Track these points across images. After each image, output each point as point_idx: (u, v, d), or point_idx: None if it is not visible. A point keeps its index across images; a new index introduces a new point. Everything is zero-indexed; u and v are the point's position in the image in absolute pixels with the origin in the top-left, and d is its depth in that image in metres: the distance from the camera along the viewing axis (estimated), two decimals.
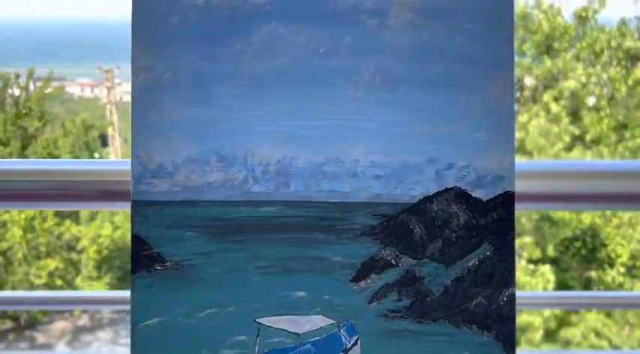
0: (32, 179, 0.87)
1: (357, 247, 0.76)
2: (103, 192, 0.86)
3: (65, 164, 1.10)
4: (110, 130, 26.75)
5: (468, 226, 0.76)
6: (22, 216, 10.10)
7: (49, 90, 13.24)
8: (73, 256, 10.81)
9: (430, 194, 0.76)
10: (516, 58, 6.63)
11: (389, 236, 0.76)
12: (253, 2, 0.76)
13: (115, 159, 15.03)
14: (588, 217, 10.24)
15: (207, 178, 0.76)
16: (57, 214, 10.72)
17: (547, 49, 10.78)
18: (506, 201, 0.75)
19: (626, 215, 10.06)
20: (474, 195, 0.76)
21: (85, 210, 9.97)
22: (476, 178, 0.75)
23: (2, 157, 10.63)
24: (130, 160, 0.77)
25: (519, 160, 0.80)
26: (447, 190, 0.76)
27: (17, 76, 12.08)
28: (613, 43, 10.33)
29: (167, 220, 0.76)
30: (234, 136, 0.76)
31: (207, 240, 0.76)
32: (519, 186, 0.76)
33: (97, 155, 16.61)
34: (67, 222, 10.74)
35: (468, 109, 0.76)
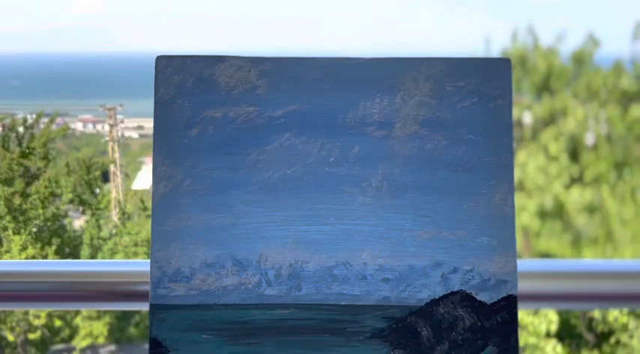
0: (53, 280, 0.90)
1: (366, 350, 0.79)
2: (120, 293, 0.90)
3: (84, 265, 1.14)
4: (112, 168, 26.92)
5: (474, 329, 0.79)
6: None
7: (53, 127, 13.40)
8: None
9: (437, 297, 0.79)
10: (515, 97, 6.72)
11: (398, 339, 0.79)
12: (268, 115, 0.82)
13: (111, 211, 15.18)
14: (590, 255, 10.23)
15: (222, 282, 0.80)
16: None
17: (545, 88, 10.97)
18: (510, 304, 0.79)
19: (627, 252, 10.05)
20: (478, 298, 0.79)
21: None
22: (480, 282, 0.79)
23: (5, 196, 10.69)
24: (148, 260, 0.81)
25: (521, 260, 0.84)
26: (452, 293, 0.79)
27: (25, 121, 12.31)
28: (609, 84, 10.52)
29: (184, 323, 0.79)
30: (248, 240, 0.80)
31: (221, 343, 0.79)
32: (521, 285, 0.79)
33: (97, 190, 16.64)
34: None
35: (472, 214, 0.80)
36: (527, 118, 10.95)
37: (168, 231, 0.80)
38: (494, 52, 11.76)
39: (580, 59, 11.21)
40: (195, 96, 0.82)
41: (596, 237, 10.24)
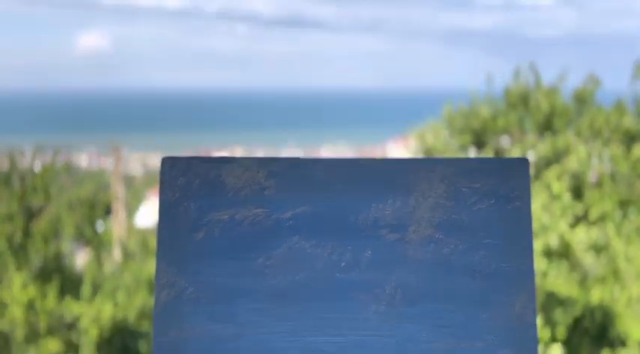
0: None
1: None
2: None
3: None
4: (115, 204, 26.96)
5: None
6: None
7: (56, 162, 13.43)
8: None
9: None
10: (518, 135, 6.70)
11: None
12: (276, 217, 0.79)
13: (113, 248, 15.13)
14: (597, 295, 10.08)
15: None
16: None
17: (548, 127, 11.02)
18: None
19: (635, 290, 9.90)
20: None
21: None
22: None
23: (6, 233, 10.66)
24: None
25: None
26: None
27: (32, 157, 12.37)
28: (612, 123, 10.58)
29: None
30: (253, 352, 0.76)
31: None
32: None
33: (100, 228, 16.58)
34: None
35: (492, 324, 0.76)
36: (531, 157, 10.96)
37: (170, 342, 0.76)
38: (497, 89, 11.86)
39: (581, 98, 11.30)
40: (201, 198, 0.79)
41: (604, 276, 10.12)
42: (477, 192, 0.79)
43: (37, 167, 12.53)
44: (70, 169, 14.19)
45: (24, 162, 12.40)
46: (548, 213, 9.51)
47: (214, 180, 0.80)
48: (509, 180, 0.79)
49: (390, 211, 0.79)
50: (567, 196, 9.75)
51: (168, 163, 0.81)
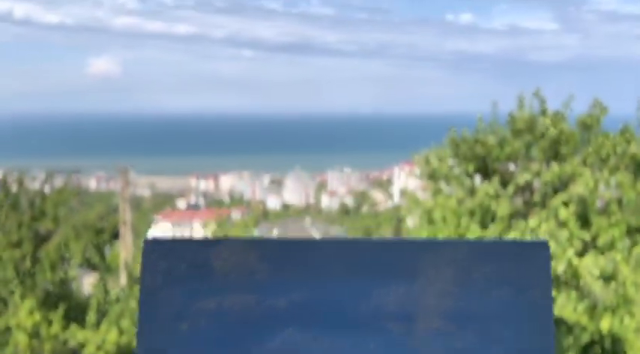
0: None
1: None
2: None
3: None
4: (122, 227, 27.06)
5: None
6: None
7: (65, 186, 13.56)
8: None
9: None
10: (525, 162, 6.68)
11: None
12: (268, 305, 0.72)
13: (120, 272, 15.14)
14: (607, 323, 9.93)
15: None
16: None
17: (554, 154, 10.99)
18: None
19: None
20: None
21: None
22: None
23: (14, 259, 10.73)
24: None
25: None
26: None
27: (40, 184, 12.49)
28: (618, 150, 10.53)
29: None
30: None
31: None
32: None
33: (107, 247, 16.60)
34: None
35: None
36: (537, 184, 10.93)
37: None
38: (502, 115, 11.88)
39: (587, 124, 11.28)
40: (186, 284, 0.72)
41: (612, 304, 9.99)
42: (490, 278, 0.71)
43: (47, 191, 12.65)
44: (78, 193, 14.35)
45: (33, 186, 12.53)
46: (554, 240, 9.44)
47: (200, 264, 0.72)
48: (526, 264, 0.71)
49: (392, 299, 0.71)
50: (575, 223, 9.69)
51: (151, 245, 0.74)
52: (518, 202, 11.40)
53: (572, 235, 9.56)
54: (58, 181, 13.15)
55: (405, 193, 13.37)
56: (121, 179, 26.05)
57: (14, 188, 12.13)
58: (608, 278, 9.71)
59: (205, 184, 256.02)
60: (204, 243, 0.75)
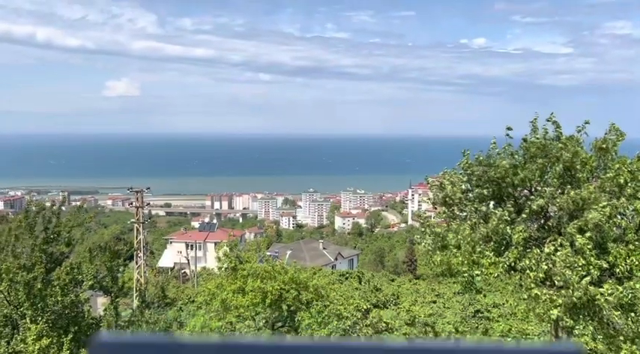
0: None
1: None
2: None
3: None
4: (135, 248, 27.15)
5: None
6: None
7: (80, 209, 13.62)
8: None
9: None
10: (539, 188, 6.51)
11: None
12: None
13: (132, 293, 15.06)
14: (627, 353, 9.69)
15: None
16: None
17: (570, 179, 10.81)
18: None
19: None
20: None
21: None
22: None
23: (25, 281, 10.72)
24: None
25: None
26: None
27: (53, 205, 12.54)
28: (637, 175, 10.31)
29: None
30: None
31: None
32: None
33: (121, 270, 16.56)
34: None
35: None
36: (552, 210, 10.74)
37: None
38: (516, 139, 11.73)
39: (604, 149, 11.08)
40: None
41: (632, 332, 9.71)
42: None
43: (62, 213, 12.72)
44: (92, 216, 14.40)
45: (49, 207, 12.61)
46: (571, 268, 9.23)
47: None
48: None
49: None
50: (591, 251, 9.47)
51: (98, 348, 0.62)
52: (533, 227, 11.20)
53: (589, 263, 9.33)
54: (74, 203, 13.25)
55: (419, 217, 13.23)
56: (136, 201, 26.21)
57: (31, 210, 12.21)
58: (627, 308, 9.45)
59: (220, 205, 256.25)
60: (162, 345, 0.60)
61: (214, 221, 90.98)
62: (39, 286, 10.56)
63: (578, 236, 9.57)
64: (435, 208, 12.78)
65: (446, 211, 12.31)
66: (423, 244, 12.65)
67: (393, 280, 41.89)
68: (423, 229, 12.62)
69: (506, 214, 10.66)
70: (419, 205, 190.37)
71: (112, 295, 12.54)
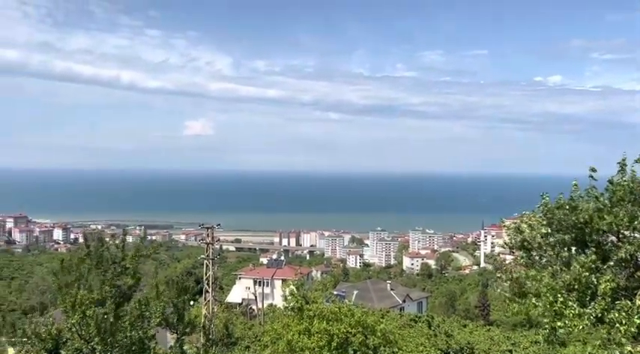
0: None
1: None
2: None
3: None
4: (205, 283, 27.49)
5: None
6: None
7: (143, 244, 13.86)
8: None
9: None
10: (627, 235, 5.84)
11: None
12: None
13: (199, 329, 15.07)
14: None
15: None
16: None
17: None
18: None
19: None
20: None
21: None
22: None
23: (97, 316, 10.93)
24: None
25: None
26: None
27: (119, 241, 12.85)
28: None
29: None
30: None
31: None
32: None
33: (189, 306, 16.72)
34: None
35: None
36: None
37: None
38: (601, 181, 10.98)
39: None
40: None
41: None
42: None
43: (126, 246, 12.98)
44: (156, 247, 14.56)
45: (112, 242, 12.94)
46: None
47: None
48: None
49: None
50: None
51: None
52: (621, 277, 10.28)
53: None
54: (153, 236, 13.57)
55: (494, 261, 12.55)
56: (207, 237, 26.70)
57: (105, 244, 12.58)
58: None
59: (287, 241, 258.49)
60: None
61: (282, 258, 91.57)
62: (110, 321, 10.72)
63: None
64: (513, 252, 12.07)
65: (523, 255, 11.61)
66: (499, 290, 11.96)
67: (465, 326, 40.05)
68: (498, 275, 11.93)
69: (590, 261, 9.86)
70: (492, 247, 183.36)
71: (178, 332, 12.58)
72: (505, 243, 12.43)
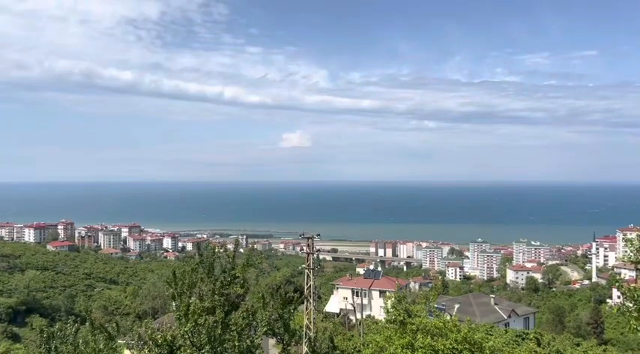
0: None
1: None
2: None
3: None
4: (306, 293, 27.82)
5: None
6: None
7: (253, 252, 14.21)
8: None
9: None
10: None
11: None
12: None
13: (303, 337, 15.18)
14: None
15: None
16: None
17: None
18: None
19: None
20: None
21: None
22: None
23: (207, 325, 11.28)
24: None
25: None
26: None
27: (226, 249, 13.26)
28: None
29: None
30: None
31: None
32: None
33: (292, 321, 16.92)
34: None
35: None
36: None
37: None
38: None
39: None
40: None
41: None
42: None
43: (236, 255, 13.34)
44: (264, 257, 14.84)
45: (224, 251, 13.34)
46: None
47: None
48: None
49: None
50: None
51: None
52: None
53: None
54: (255, 245, 13.94)
55: (614, 281, 11.56)
56: (307, 247, 27.04)
57: (216, 253, 13.02)
58: None
59: (384, 252, 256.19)
60: None
61: (379, 268, 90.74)
62: (219, 330, 11.03)
63: None
64: (638, 269, 11.08)
65: None
66: (621, 310, 11.03)
67: (578, 345, 37.34)
68: (622, 292, 10.97)
69: None
70: (604, 260, 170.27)
71: (284, 342, 12.72)
72: (627, 258, 11.45)
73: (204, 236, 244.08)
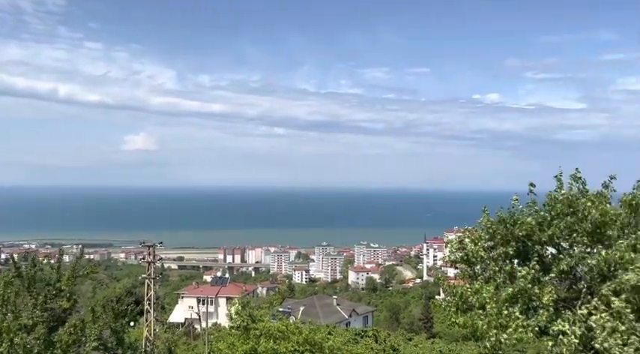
0: None
1: None
2: None
3: None
4: (146, 304, 26.48)
5: None
6: None
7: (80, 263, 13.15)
8: None
9: None
10: (567, 247, 5.98)
11: None
12: None
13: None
14: None
15: None
16: None
17: (599, 237, 10.24)
18: None
19: None
20: None
21: None
22: None
23: (26, 344, 10.20)
24: None
25: None
26: None
27: (55, 261, 12.14)
28: None
29: None
30: None
31: None
32: None
33: (128, 328, 15.96)
34: None
35: None
36: (582, 269, 10.13)
37: None
38: (540, 196, 11.29)
39: (634, 206, 10.52)
40: None
41: None
42: None
43: (62, 266, 12.24)
44: (93, 267, 13.63)
45: (46, 262, 12.21)
46: (612, 334, 8.53)
47: None
48: None
49: None
50: (631, 315, 8.78)
51: None
52: (562, 288, 10.55)
53: (634, 328, 8.62)
54: (90, 255, 12.86)
55: (439, 280, 12.63)
56: (148, 255, 25.81)
57: (38, 265, 11.81)
58: None
59: (232, 258, 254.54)
60: None
61: (226, 275, 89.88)
62: (39, 349, 10.03)
63: (614, 298, 8.92)
64: (456, 267, 12.22)
65: (467, 269, 11.78)
66: (444, 305, 12.06)
67: (410, 339, 40.38)
68: (444, 289, 12.03)
69: (532, 272, 10.06)
70: (434, 260, 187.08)
71: None
72: (447, 257, 12.57)
73: (33, 246, 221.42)
